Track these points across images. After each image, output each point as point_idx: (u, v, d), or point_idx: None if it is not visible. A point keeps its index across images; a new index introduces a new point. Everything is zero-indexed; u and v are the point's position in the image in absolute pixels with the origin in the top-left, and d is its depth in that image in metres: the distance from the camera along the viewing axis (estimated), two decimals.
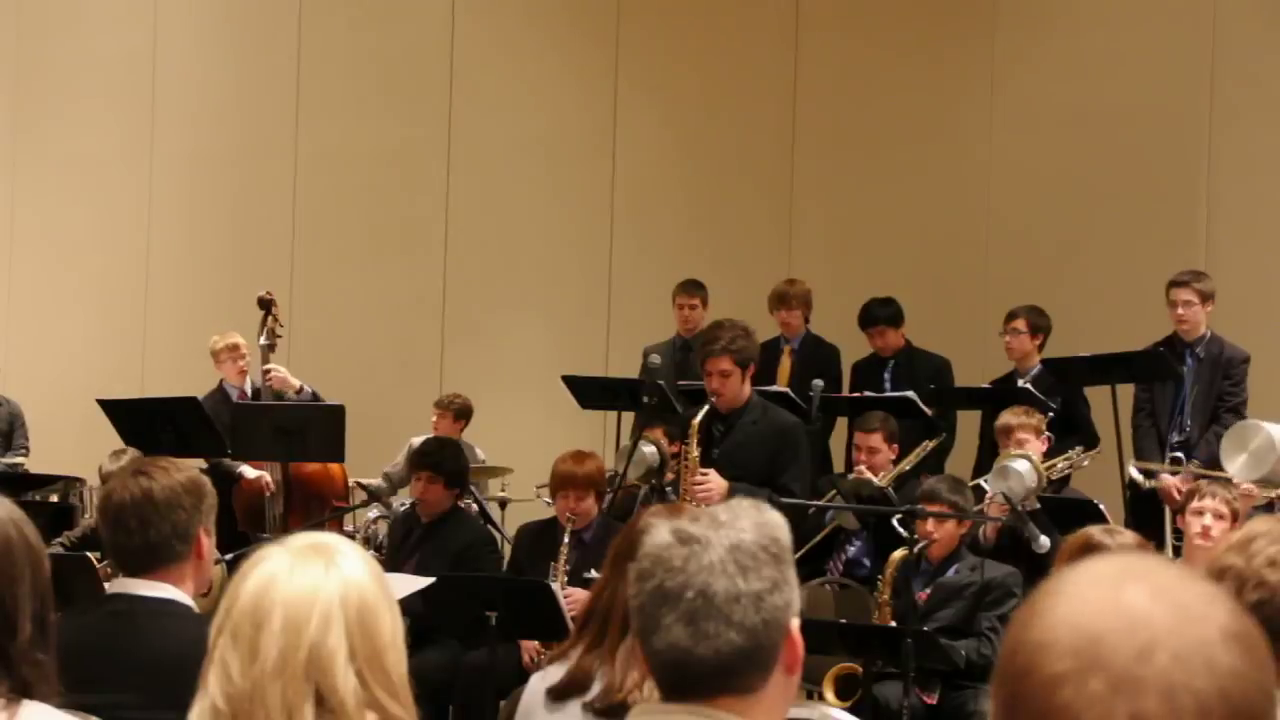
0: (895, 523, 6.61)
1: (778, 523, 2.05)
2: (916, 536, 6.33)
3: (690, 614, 1.94)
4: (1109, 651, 1.16)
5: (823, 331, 9.17)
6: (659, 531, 2.00)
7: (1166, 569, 1.22)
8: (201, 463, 8.38)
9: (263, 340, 8.47)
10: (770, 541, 2.00)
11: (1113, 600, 1.19)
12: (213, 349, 9.10)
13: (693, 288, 9.40)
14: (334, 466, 8.32)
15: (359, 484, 8.55)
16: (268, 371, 8.44)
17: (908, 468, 7.69)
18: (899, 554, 6.33)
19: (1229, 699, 1.14)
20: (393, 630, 2.13)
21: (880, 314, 8.88)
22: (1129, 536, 3.98)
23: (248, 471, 8.55)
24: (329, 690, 2.06)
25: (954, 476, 6.88)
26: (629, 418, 8.73)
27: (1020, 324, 8.40)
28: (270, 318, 8.44)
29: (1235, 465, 7.04)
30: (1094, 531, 3.99)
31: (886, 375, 8.86)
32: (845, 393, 8.76)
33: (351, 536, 8.07)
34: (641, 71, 10.95)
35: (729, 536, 1.97)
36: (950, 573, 6.44)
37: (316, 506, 8.20)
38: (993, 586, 6.29)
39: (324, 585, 2.10)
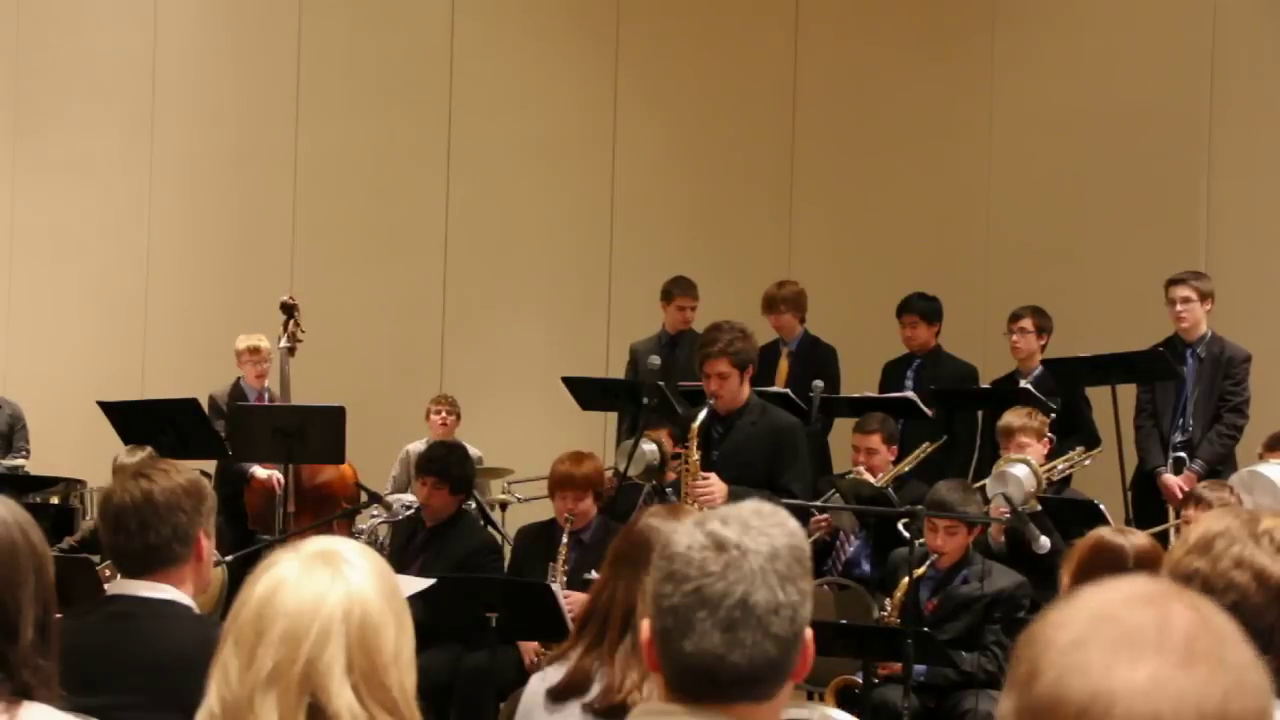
0: (901, 526, 6.57)
1: (800, 529, 2.07)
2: (923, 542, 6.31)
3: (729, 622, 1.95)
4: (1128, 622, 1.22)
5: (821, 331, 9.15)
6: (688, 533, 2.01)
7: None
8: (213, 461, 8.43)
9: (283, 343, 8.54)
10: (801, 550, 2.02)
11: (1132, 591, 1.25)
12: (235, 349, 9.25)
13: (691, 288, 9.37)
14: (346, 469, 8.35)
15: (361, 486, 8.57)
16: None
17: (906, 469, 7.69)
18: (907, 580, 6.25)
19: None
20: (396, 646, 2.11)
21: (916, 304, 8.84)
22: (1141, 537, 3.95)
23: (258, 471, 8.61)
24: (323, 704, 2.06)
25: (963, 482, 6.84)
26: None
27: (1028, 324, 8.40)
28: (292, 322, 8.52)
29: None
30: (1105, 533, 3.96)
31: (910, 375, 8.83)
32: (848, 393, 8.75)
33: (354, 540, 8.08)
34: (641, 72, 10.95)
35: (764, 544, 1.98)
36: (958, 580, 6.38)
37: (328, 509, 8.22)
38: (1000, 600, 6.25)
39: (328, 598, 2.09)
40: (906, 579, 6.20)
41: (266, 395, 9.18)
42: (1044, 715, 1.21)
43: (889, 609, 6.36)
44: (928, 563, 6.31)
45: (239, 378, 9.31)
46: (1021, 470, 6.65)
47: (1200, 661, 1.20)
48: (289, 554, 2.15)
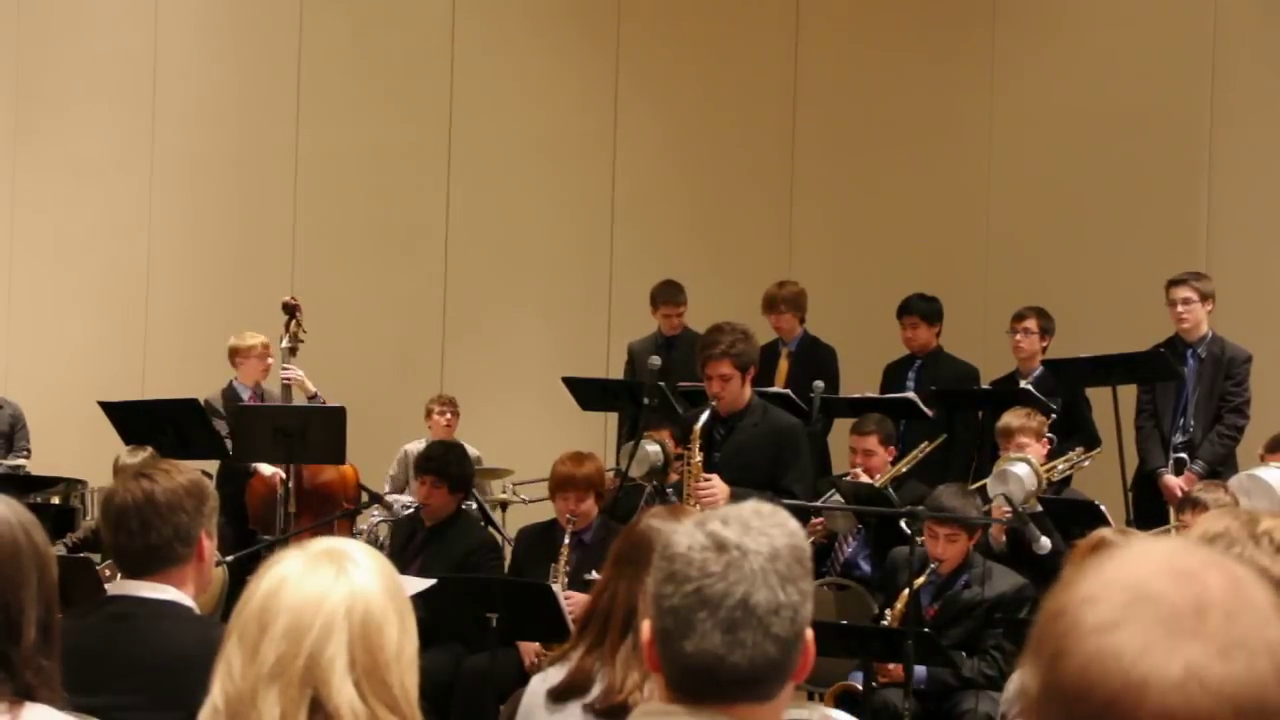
0: (903, 524, 6.54)
1: (800, 529, 2.07)
2: (923, 542, 6.29)
3: (730, 622, 1.95)
4: (1163, 602, 1.15)
5: (821, 332, 9.15)
6: (688, 534, 2.01)
7: (1212, 549, 1.21)
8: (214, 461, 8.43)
9: (284, 344, 8.56)
10: (801, 551, 2.02)
11: (1165, 561, 1.17)
12: (237, 346, 9.19)
13: (676, 295, 9.33)
14: (347, 470, 8.35)
15: (362, 487, 8.58)
16: (287, 373, 8.56)
17: (904, 470, 7.68)
18: (907, 591, 6.21)
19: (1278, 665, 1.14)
20: (398, 644, 2.12)
21: (917, 306, 8.84)
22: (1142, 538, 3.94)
23: (263, 468, 8.59)
24: (325, 699, 2.06)
25: (962, 486, 6.83)
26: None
27: (1032, 324, 8.40)
28: (294, 322, 8.53)
29: None
30: (1107, 534, 3.97)
31: (911, 376, 8.82)
32: (847, 394, 8.74)
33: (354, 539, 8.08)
34: (641, 72, 10.95)
35: (765, 544, 1.98)
36: (959, 584, 6.37)
37: (328, 509, 8.22)
38: (1001, 604, 6.23)
39: (331, 594, 2.10)
40: (907, 590, 6.16)
41: (262, 394, 9.16)
42: (1070, 701, 1.16)
43: (889, 619, 6.31)
44: (928, 570, 6.28)
45: (231, 380, 9.27)
46: (1022, 469, 6.64)
47: (1238, 648, 1.14)
48: (295, 552, 2.16)
